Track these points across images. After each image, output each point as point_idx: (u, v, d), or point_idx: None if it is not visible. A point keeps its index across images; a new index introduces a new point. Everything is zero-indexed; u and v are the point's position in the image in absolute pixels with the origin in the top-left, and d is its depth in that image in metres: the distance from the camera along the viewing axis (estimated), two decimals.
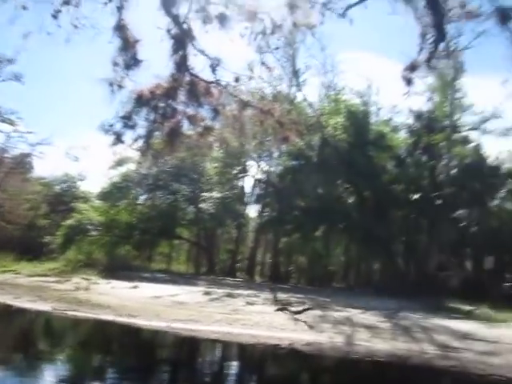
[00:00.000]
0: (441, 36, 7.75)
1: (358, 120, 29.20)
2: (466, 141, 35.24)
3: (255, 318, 14.54)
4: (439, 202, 31.33)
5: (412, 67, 9.92)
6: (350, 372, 11.47)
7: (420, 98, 36.09)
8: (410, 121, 35.57)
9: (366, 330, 13.81)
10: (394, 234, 30.18)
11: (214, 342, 12.98)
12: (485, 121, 34.68)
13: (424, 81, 37.22)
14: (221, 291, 19.23)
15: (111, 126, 12.33)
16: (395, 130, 35.34)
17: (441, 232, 30.07)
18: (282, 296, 18.97)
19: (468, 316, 18.06)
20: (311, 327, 13.88)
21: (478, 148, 34.78)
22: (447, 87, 32.50)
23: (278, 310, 15.68)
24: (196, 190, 32.82)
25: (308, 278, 32.21)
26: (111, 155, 30.01)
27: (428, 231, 30.75)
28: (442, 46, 8.12)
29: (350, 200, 30.46)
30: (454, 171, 32.35)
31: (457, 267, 28.33)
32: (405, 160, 34.32)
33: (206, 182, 33.23)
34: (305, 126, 23.68)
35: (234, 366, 11.99)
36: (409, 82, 10.60)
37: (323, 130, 28.99)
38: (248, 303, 16.72)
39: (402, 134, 35.78)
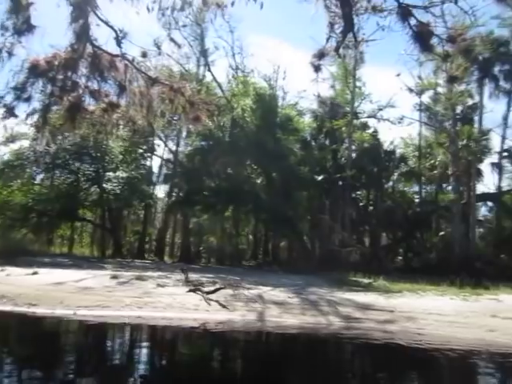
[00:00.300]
0: (349, 26, 8.05)
1: (265, 103, 29.67)
2: (364, 127, 37.75)
3: (167, 300, 14.27)
4: (341, 183, 33.34)
5: (320, 55, 10.22)
6: (262, 346, 11.80)
7: (324, 84, 37.90)
8: (315, 106, 37.21)
9: (277, 307, 14.26)
10: (300, 213, 31.47)
11: (125, 326, 12.54)
12: (381, 109, 37.45)
13: (328, 68, 39.07)
14: (129, 274, 18.58)
15: (1, 97, 11.17)
16: (301, 114, 36.68)
17: (343, 211, 32.08)
18: (193, 277, 18.86)
19: (367, 288, 19.47)
20: (224, 306, 13.97)
21: (375, 134, 37.47)
22: (348, 76, 34.28)
23: (189, 291, 15.52)
24: (100, 169, 31.14)
25: (218, 257, 32.45)
26: (2, 130, 27.29)
27: (331, 210, 32.57)
28: (349, 36, 8.45)
29: (259, 181, 31.06)
30: (354, 155, 34.44)
31: (357, 244, 30.38)
32: (310, 143, 35.84)
33: (110, 161, 31.64)
34: (216, 107, 23.48)
35: (145, 350, 11.68)
36: (317, 68, 10.94)
37: (232, 112, 29.05)
38: (159, 285, 16.33)
39: (307, 119, 37.30)
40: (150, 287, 16.04)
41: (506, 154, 33.08)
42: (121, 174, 30.11)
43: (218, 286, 16.33)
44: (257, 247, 36.72)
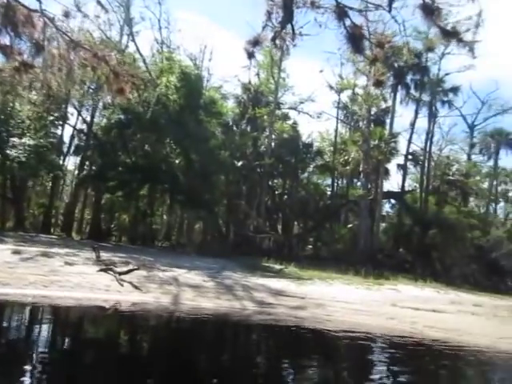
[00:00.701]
0: (288, 17, 8.11)
1: (190, 82, 28.97)
2: (285, 118, 38.62)
3: (75, 280, 13.53)
4: (259, 170, 33.88)
5: (255, 42, 10.19)
6: (173, 329, 11.69)
7: (249, 71, 38.09)
8: (239, 92, 37.23)
9: (192, 290, 14.21)
10: (217, 197, 31.45)
11: (27, 306, 11.71)
12: (302, 102, 38.58)
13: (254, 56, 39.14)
14: (34, 250, 17.26)
15: None
16: (224, 98, 36.51)
17: (259, 198, 32.67)
18: (104, 255, 18.09)
19: (279, 274, 20.13)
20: (137, 288, 13.60)
21: (294, 126, 38.53)
22: (274, 66, 34.68)
23: (101, 270, 14.86)
24: (3, 133, 28.38)
25: (130, 236, 31.35)
26: None
27: (247, 197, 33.02)
28: (287, 27, 8.51)
29: (177, 161, 30.45)
30: (274, 144, 35.09)
31: (271, 230, 31.15)
32: (232, 128, 35.87)
33: (16, 125, 28.94)
34: (142, 81, 22.46)
35: (46, 331, 11.02)
36: (250, 55, 10.92)
37: (155, 88, 28.00)
38: (67, 263, 15.39)
39: (230, 103, 37.23)
40: (57, 265, 15.07)
41: (410, 156, 35.83)
42: (27, 140, 27.57)
43: (131, 266, 15.81)
44: (170, 228, 36.17)
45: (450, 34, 8.38)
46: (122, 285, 13.63)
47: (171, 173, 28.39)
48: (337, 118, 38.00)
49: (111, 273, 14.71)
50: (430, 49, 33.27)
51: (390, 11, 7.76)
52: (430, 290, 18.43)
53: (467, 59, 34.84)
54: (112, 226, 35.50)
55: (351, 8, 8.26)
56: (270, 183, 35.39)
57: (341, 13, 8.12)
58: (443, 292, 18.37)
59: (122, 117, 28.23)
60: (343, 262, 26.23)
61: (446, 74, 34.87)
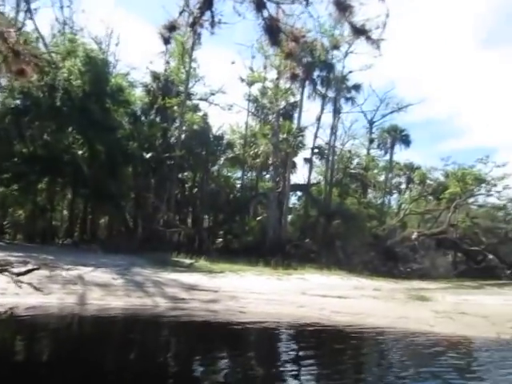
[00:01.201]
0: (208, 4, 7.95)
1: (96, 67, 27.37)
2: (195, 109, 38.13)
3: None
4: (169, 162, 33.09)
5: (171, 27, 9.90)
6: (78, 332, 11.00)
7: (158, 59, 37.02)
8: (147, 79, 35.98)
9: (100, 289, 13.48)
10: (124, 190, 30.20)
11: None
12: (213, 93, 38.36)
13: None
14: None
15: None
16: (132, 86, 35.04)
17: (169, 191, 31.95)
18: None
19: (190, 269, 19.91)
20: (37, 289, 12.61)
21: (205, 117, 38.21)
22: (185, 55, 33.98)
23: None
24: None
25: (27, 234, 28.88)
26: None
27: (156, 190, 32.11)
28: (207, 14, 8.35)
29: (81, 152, 28.63)
30: (184, 136, 34.47)
31: (181, 224, 30.65)
32: (140, 118, 34.58)
33: None
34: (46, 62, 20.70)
35: None
36: (166, 41, 10.59)
37: (56, 71, 25.97)
38: None
39: (138, 92, 35.84)
40: None
41: (316, 150, 37.39)
42: None
43: (30, 266, 14.62)
44: (72, 224, 33.98)
45: (360, 32, 8.78)
46: (20, 287, 12.54)
47: (74, 164, 26.64)
48: (247, 111, 38.38)
49: (7, 274, 13.46)
50: (336, 46, 34.84)
51: (307, 5, 7.92)
52: (335, 278, 19.47)
53: (369, 58, 37.19)
54: (5, 222, 32.42)
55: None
56: (179, 176, 34.76)
57: (259, 3, 8.11)
58: (346, 279, 19.50)
59: (18, 102, 25.81)
60: (253, 254, 26.71)
61: (350, 72, 36.86)
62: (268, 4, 8.67)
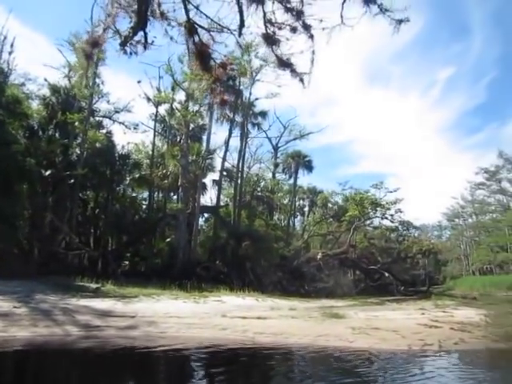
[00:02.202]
0: (141, 24, 7.83)
1: None
2: (98, 126, 36.64)
3: None
4: (70, 181, 31.14)
5: (94, 43, 9.56)
6: None
7: (57, 72, 35.18)
8: (45, 92, 33.79)
9: (0, 319, 12.17)
10: (19, 210, 27.62)
11: None
12: (118, 111, 37.25)
13: (64, 56, 36.41)
14: None
15: None
16: (28, 97, 32.66)
17: (70, 211, 29.97)
18: None
19: (96, 294, 18.76)
20: None
21: (109, 135, 36.83)
22: (86, 70, 32.58)
23: None
24: None
25: None
26: None
27: (56, 209, 29.90)
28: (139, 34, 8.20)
29: None
30: (86, 153, 32.81)
31: (83, 246, 28.75)
32: (37, 132, 32.24)
33: None
34: None
35: None
36: (89, 57, 10.18)
37: None
38: None
39: (35, 105, 33.50)
40: None
41: (225, 173, 37.82)
42: None
43: None
44: None
45: (286, 64, 9.25)
46: None
47: None
48: (154, 131, 37.67)
49: None
50: (244, 74, 35.93)
51: (239, 35, 8.17)
52: (250, 299, 19.64)
53: (273, 87, 38.83)
54: None
55: (200, 26, 8.40)
56: (81, 195, 32.81)
57: (191, 29, 8.20)
58: (261, 300, 19.77)
59: None
60: (162, 277, 25.92)
61: (256, 99, 38.17)
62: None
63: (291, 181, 45.15)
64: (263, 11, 7.79)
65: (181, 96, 36.93)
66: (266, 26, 8.15)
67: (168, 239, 34.42)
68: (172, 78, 35.71)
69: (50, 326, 12.17)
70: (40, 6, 56.74)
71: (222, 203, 38.68)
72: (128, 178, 36.02)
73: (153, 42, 8.92)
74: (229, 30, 8.56)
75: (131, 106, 36.28)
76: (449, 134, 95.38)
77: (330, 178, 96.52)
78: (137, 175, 35.52)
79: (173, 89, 36.76)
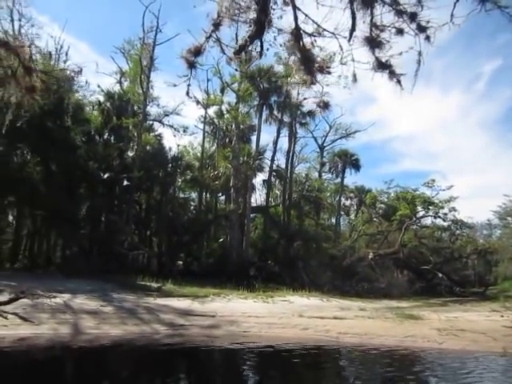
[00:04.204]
0: (259, 32, 8.01)
1: (57, 83, 26.13)
2: (149, 129, 37.56)
3: None
4: (126, 183, 32.16)
5: (196, 51, 9.87)
6: (72, 364, 10.34)
7: (109, 78, 36.33)
8: (99, 98, 34.93)
9: (91, 317, 12.77)
10: (82, 211, 28.84)
11: None
12: (167, 114, 38.10)
13: (117, 63, 37.49)
14: None
15: None
16: (87, 104, 33.88)
17: (127, 213, 30.91)
18: None
19: (159, 293, 19.17)
20: (26, 320, 11.68)
21: (159, 138, 37.76)
22: (141, 75, 33.50)
23: None
24: None
25: None
26: None
27: (114, 211, 30.94)
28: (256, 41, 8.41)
29: (37, 171, 27.01)
30: (140, 156, 33.69)
31: (142, 247, 29.62)
32: (94, 137, 33.39)
33: None
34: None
35: None
36: (191, 65, 10.51)
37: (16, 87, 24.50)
38: None
39: (92, 111, 34.69)
40: None
41: (274, 173, 38.01)
42: None
43: (8, 294, 13.45)
44: (17, 246, 31.57)
45: (385, 66, 9.27)
46: (5, 317, 11.52)
47: (30, 184, 25.06)
48: (203, 133, 38.32)
49: None
50: (291, 74, 35.99)
51: (349, 40, 8.25)
52: (315, 299, 19.71)
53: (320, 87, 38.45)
54: None
55: (306, 32, 8.53)
56: (138, 197, 33.79)
57: (298, 35, 8.35)
58: (326, 300, 19.80)
59: None
60: (215, 276, 26.35)
61: (305, 99, 38.07)
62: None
63: (337, 180, 44.92)
64: (371, 15, 7.86)
65: (229, 98, 37.55)
66: (371, 29, 8.21)
67: (221, 239, 34.91)
68: (221, 80, 36.45)
69: (138, 324, 12.66)
70: (80, 15, 58.60)
71: (271, 203, 38.94)
72: (180, 180, 36.78)
73: (268, 49, 9.14)
74: (333, 34, 8.64)
75: (180, 109, 37.02)
76: (495, 128, 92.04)
77: (371, 177, 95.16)
78: (188, 177, 36.18)
79: (222, 91, 37.34)
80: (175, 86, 35.90)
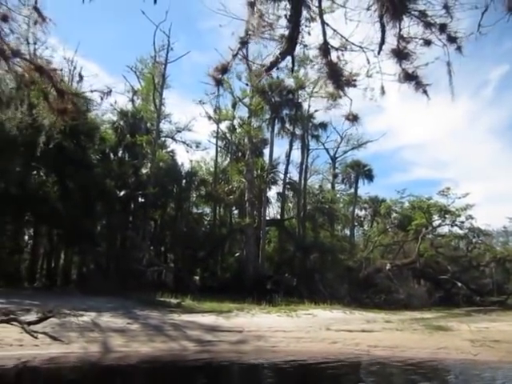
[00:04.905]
0: (291, 49, 8.11)
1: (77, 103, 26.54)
2: (163, 146, 37.89)
3: None
4: (142, 200, 32.38)
5: (223, 69, 10.01)
6: (111, 382, 10.36)
7: (121, 96, 36.71)
8: (111, 117, 35.34)
9: (119, 335, 12.75)
10: (99, 228, 29.06)
11: None
12: (179, 131, 38.46)
13: (128, 81, 37.94)
14: None
15: None
16: (100, 123, 34.30)
17: (143, 229, 31.05)
18: None
19: (180, 309, 19.11)
20: (55, 339, 11.70)
21: (172, 154, 38.08)
22: (154, 93, 33.93)
23: (0, 321, 12.39)
24: None
25: None
26: None
27: (130, 228, 31.14)
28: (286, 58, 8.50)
29: (54, 189, 27.35)
30: (155, 173, 33.93)
31: (160, 263, 29.68)
32: (109, 155, 33.74)
33: None
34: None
35: None
36: (218, 82, 10.66)
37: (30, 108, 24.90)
38: None
39: (106, 129, 35.09)
40: None
41: (288, 186, 38.04)
42: None
43: (36, 313, 13.53)
44: (34, 265, 31.74)
45: (411, 77, 9.31)
46: (35, 337, 11.56)
47: (48, 203, 25.33)
48: (216, 148, 38.59)
49: (16, 324, 12.36)
50: (302, 87, 36.24)
51: (379, 53, 8.31)
52: (338, 312, 19.55)
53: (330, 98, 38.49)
54: None
55: (332, 47, 8.61)
56: (153, 213, 33.96)
57: (326, 50, 8.42)
58: (349, 312, 19.63)
59: None
60: (232, 291, 26.21)
61: (316, 111, 38.21)
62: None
63: (350, 190, 44.72)
64: (399, 27, 7.93)
65: (240, 112, 37.85)
66: (399, 42, 8.27)
67: (237, 254, 34.86)
68: (232, 95, 36.82)
69: (165, 341, 12.62)
70: (88, 35, 59.58)
71: (286, 216, 38.89)
72: (194, 195, 36.95)
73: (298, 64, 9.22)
74: (360, 47, 8.71)
75: (191, 125, 37.38)
76: (507, 134, 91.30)
77: (382, 187, 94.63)
78: (202, 192, 36.33)
79: (233, 106, 37.69)
80: (201, 101, 36.80)
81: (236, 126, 38.03)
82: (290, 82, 35.96)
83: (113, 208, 29.56)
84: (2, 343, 11.02)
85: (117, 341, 12.24)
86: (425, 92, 9.83)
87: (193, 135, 46.61)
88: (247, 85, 33.77)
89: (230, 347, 12.44)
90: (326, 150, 44.17)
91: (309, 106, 37.63)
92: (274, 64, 8.37)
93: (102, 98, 25.79)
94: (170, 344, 12.41)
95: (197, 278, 32.63)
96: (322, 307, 20.55)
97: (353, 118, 9.24)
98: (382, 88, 9.01)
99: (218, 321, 15.21)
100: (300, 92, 37.31)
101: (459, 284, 33.35)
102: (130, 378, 10.38)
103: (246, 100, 36.45)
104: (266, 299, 23.56)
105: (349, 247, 37.27)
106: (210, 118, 38.34)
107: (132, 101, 38.44)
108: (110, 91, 37.28)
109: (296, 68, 33.33)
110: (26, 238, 34.39)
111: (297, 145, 38.53)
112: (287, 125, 37.71)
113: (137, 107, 36.69)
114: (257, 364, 11.14)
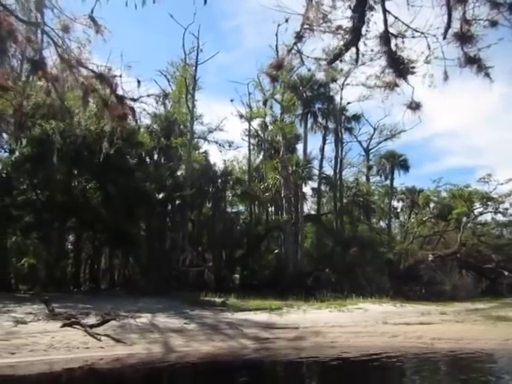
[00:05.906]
0: (355, 40, 7.98)
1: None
2: (196, 147, 38.14)
3: (44, 340, 11.45)
4: (179, 201, 32.68)
5: (278, 65, 9.97)
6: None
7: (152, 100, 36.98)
8: (148, 121, 35.74)
9: (178, 335, 12.94)
10: (141, 231, 29.55)
11: None
12: (211, 131, 38.71)
13: (159, 85, 38.28)
14: None
15: None
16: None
17: (182, 230, 31.38)
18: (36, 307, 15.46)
19: (225, 308, 19.21)
20: (118, 341, 11.94)
21: (206, 155, 38.27)
22: (186, 95, 34.19)
23: (64, 325, 12.76)
24: None
25: (40, 283, 27.22)
26: None
27: (172, 229, 31.57)
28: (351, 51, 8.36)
29: (96, 195, 27.92)
30: (191, 174, 34.20)
31: (202, 263, 29.96)
32: (145, 159, 34.21)
33: None
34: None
35: None
36: (274, 79, 10.65)
37: (70, 116, 25.47)
38: (18, 321, 12.95)
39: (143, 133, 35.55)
40: (6, 325, 12.54)
41: (323, 181, 37.69)
42: None
43: (95, 317, 13.86)
44: (79, 268, 32.46)
45: (473, 61, 9.01)
46: (99, 339, 11.83)
47: (92, 208, 25.92)
48: (249, 146, 38.55)
49: (78, 327, 12.70)
50: (333, 79, 35.84)
51: (444, 38, 8.07)
52: (387, 305, 19.30)
53: (363, 90, 37.80)
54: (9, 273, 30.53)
55: (393, 35, 8.41)
56: (191, 214, 34.27)
57: (387, 38, 8.24)
58: (399, 305, 19.35)
59: (34, 149, 24.93)
60: (273, 288, 26.13)
61: (348, 103, 37.73)
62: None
63: (385, 182, 43.91)
64: (463, 9, 7.69)
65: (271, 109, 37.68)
66: (462, 25, 8.03)
67: (276, 251, 34.84)
68: (262, 92, 36.74)
69: (224, 339, 12.71)
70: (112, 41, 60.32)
71: (322, 210, 38.62)
72: (230, 194, 37.08)
73: (363, 55, 9.03)
74: (422, 33, 8.46)
75: (223, 124, 37.49)
76: None
77: (415, 177, 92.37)
78: (238, 191, 36.39)
79: (264, 103, 37.58)
80: (232, 100, 36.76)
81: (268, 124, 37.93)
82: (320, 75, 35.60)
83: (152, 211, 29.94)
84: (70, 346, 11.31)
85: (177, 341, 12.39)
86: (487, 75, 9.53)
87: (225, 135, 46.60)
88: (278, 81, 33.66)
89: (288, 344, 12.43)
90: (359, 142, 43.56)
91: (341, 99, 37.23)
92: (338, 56, 8.25)
93: (157, 102, 26.01)
94: (228, 342, 12.48)
95: (237, 276, 32.76)
96: (370, 301, 20.33)
97: (415, 106, 9.01)
98: (446, 73, 8.76)
99: (271, 318, 15.25)
100: (331, 85, 37.02)
101: (506, 273, 32.35)
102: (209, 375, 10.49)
103: (278, 96, 36.36)
104: (309, 295, 23.52)
105: (387, 240, 36.68)
106: (241, 116, 38.40)
107: (164, 104, 38.88)
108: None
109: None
110: (68, 243, 35.34)
111: (330, 138, 38.21)
112: (320, 119, 37.40)
113: (169, 110, 37.05)
114: (324, 360, 11.00)
